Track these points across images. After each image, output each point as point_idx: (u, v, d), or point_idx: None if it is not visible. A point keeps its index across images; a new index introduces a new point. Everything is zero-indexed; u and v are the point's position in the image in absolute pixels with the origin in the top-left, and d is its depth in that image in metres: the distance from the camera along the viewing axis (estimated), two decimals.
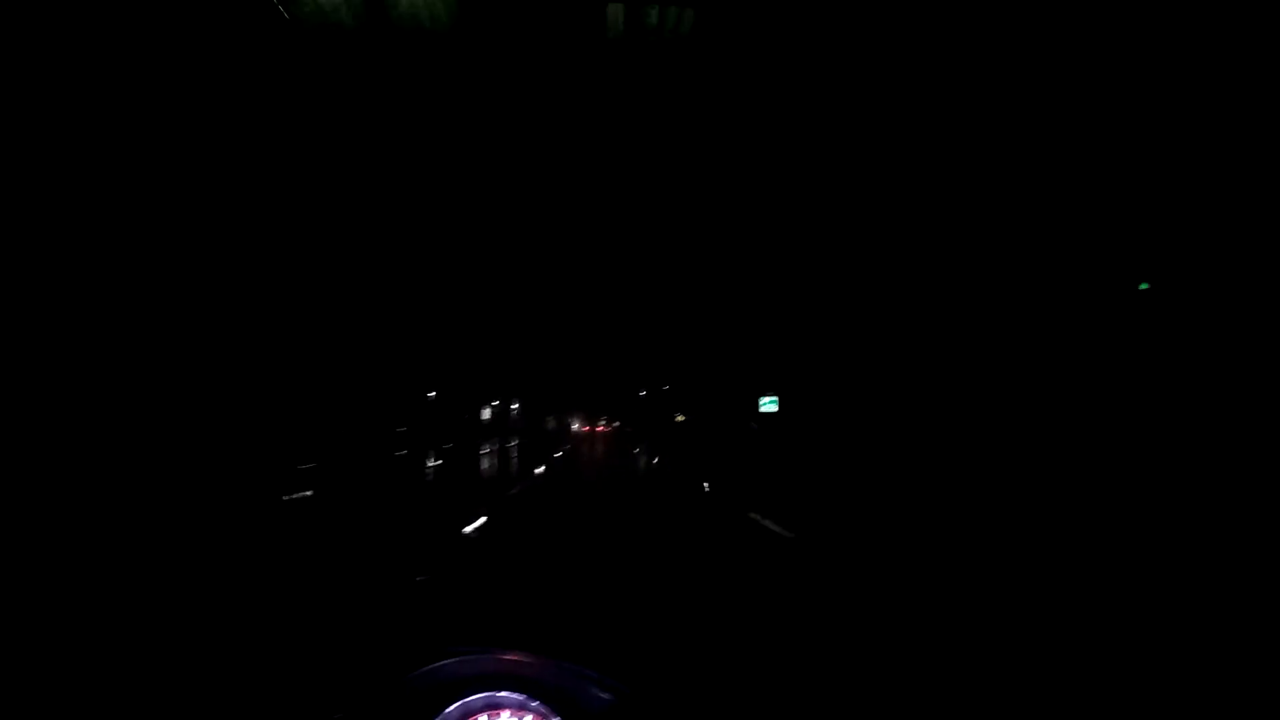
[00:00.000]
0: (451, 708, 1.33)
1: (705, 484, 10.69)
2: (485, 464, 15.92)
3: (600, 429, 44.40)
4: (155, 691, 1.36)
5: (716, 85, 5.92)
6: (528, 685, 1.34)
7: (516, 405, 41.31)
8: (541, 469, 14.91)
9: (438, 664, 1.35)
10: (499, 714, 1.36)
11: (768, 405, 20.73)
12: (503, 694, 1.35)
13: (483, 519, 7.45)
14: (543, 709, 1.34)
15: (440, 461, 15.06)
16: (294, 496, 7.97)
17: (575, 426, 42.89)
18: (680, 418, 27.82)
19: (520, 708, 1.36)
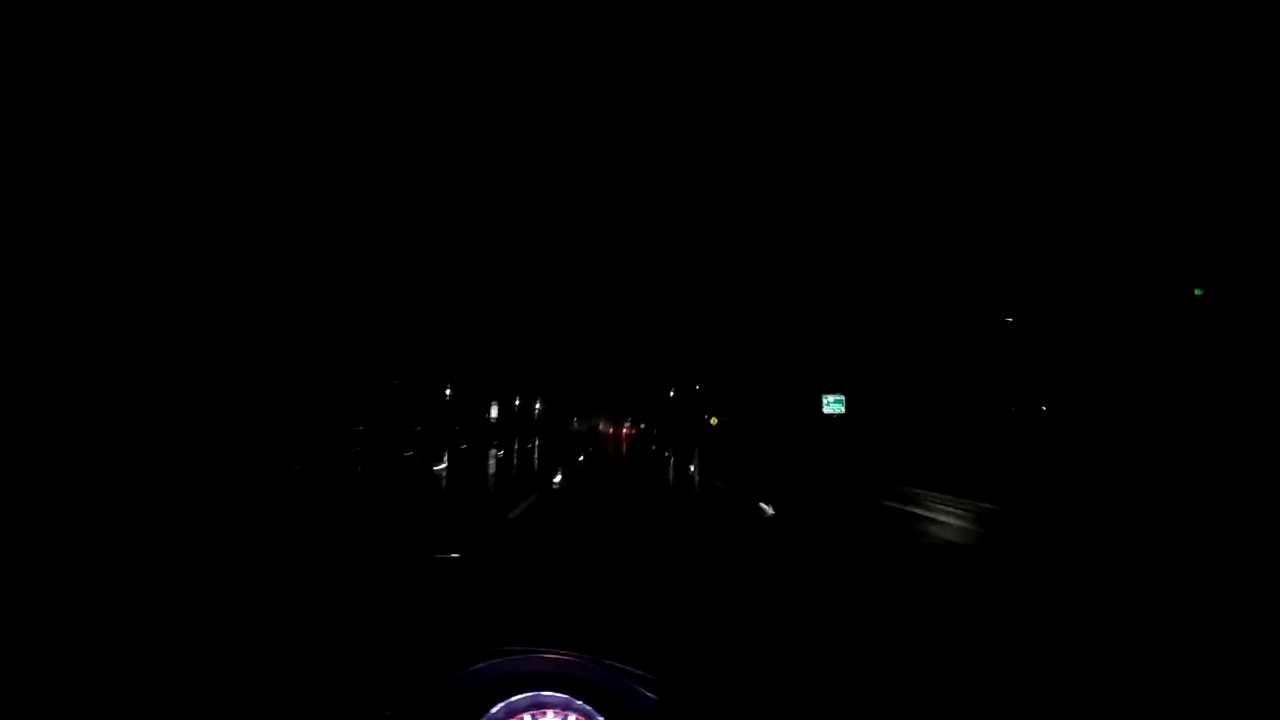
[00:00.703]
0: (496, 708, 1.33)
1: (765, 506, 9.25)
2: (493, 468, 14.89)
3: (626, 430, 43.36)
4: (193, 691, 1.34)
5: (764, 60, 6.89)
6: (572, 685, 1.35)
7: (540, 406, 39.29)
8: (558, 479, 13.01)
9: (483, 664, 1.35)
10: (543, 714, 1.36)
11: (832, 405, 18.20)
12: (547, 694, 1.35)
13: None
14: (587, 709, 1.34)
15: (446, 465, 14.40)
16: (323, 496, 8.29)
17: (600, 427, 42.43)
18: (714, 420, 25.74)
19: (565, 708, 1.36)
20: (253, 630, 1.46)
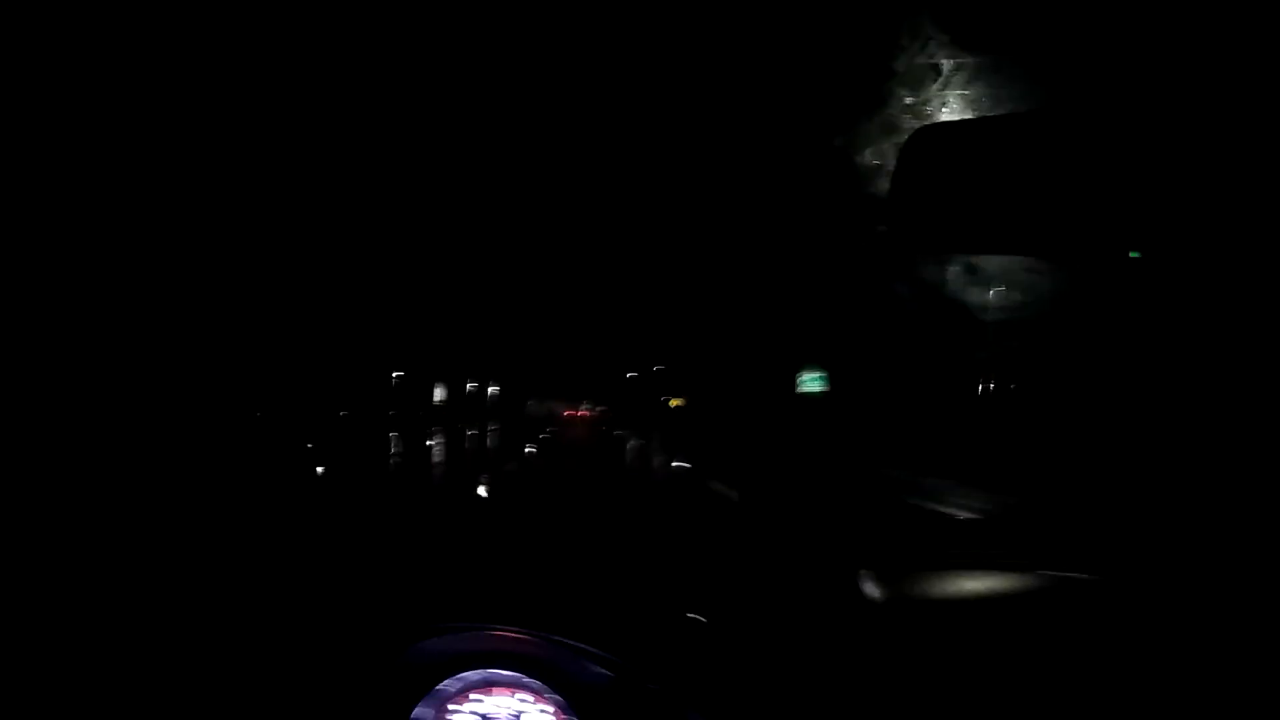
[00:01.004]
0: (445, 683, 1.37)
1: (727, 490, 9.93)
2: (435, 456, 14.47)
3: (584, 413, 44.18)
4: (146, 674, 1.38)
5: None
6: (524, 662, 1.37)
7: (495, 388, 42.98)
8: (512, 465, 13.19)
9: (435, 639, 1.37)
10: (496, 691, 1.39)
11: (810, 383, 17.36)
12: (499, 671, 1.38)
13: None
14: (540, 686, 1.37)
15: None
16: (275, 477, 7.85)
17: (556, 411, 42.99)
18: (676, 401, 24.62)
19: (517, 685, 1.38)
20: (201, 610, 1.43)
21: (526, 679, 1.39)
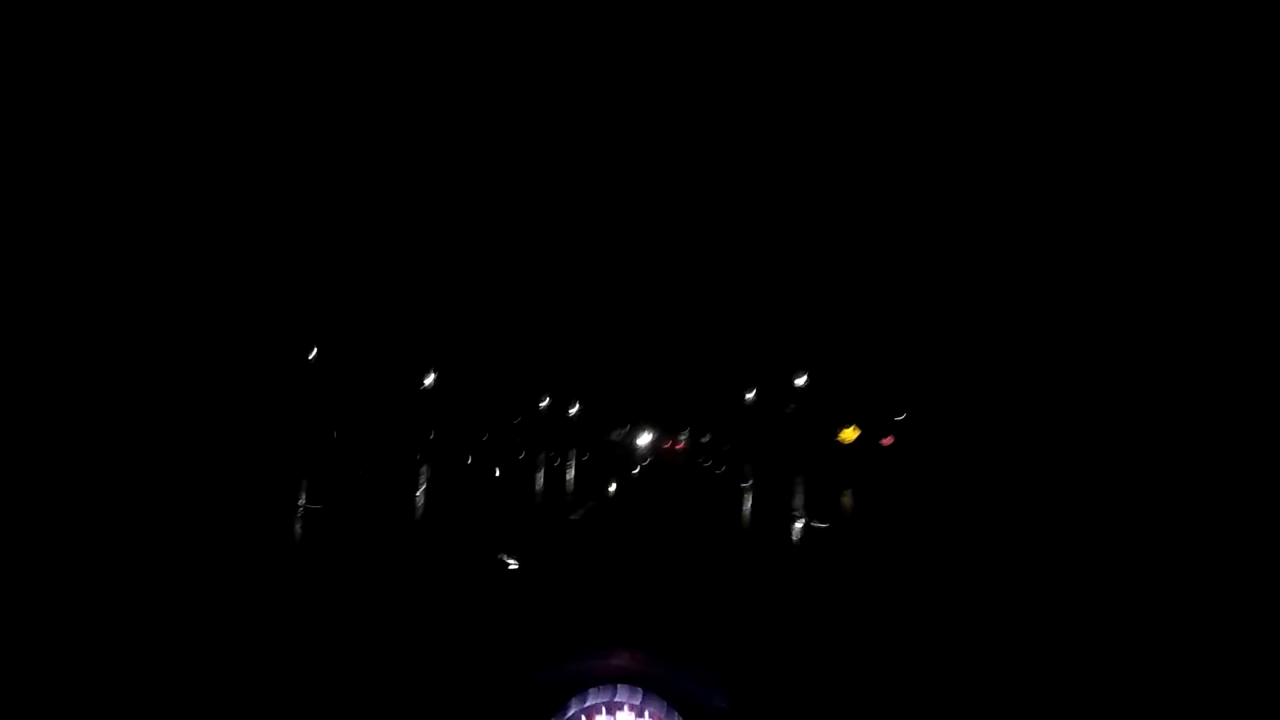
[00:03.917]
0: (571, 706, 1.06)
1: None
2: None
3: (678, 446, 33.23)
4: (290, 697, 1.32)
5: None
6: (646, 683, 1.03)
7: (576, 408, 32.87)
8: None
9: (560, 664, 1.07)
10: (618, 712, 1.04)
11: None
12: (621, 691, 1.06)
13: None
14: (661, 706, 1.06)
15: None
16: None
17: (647, 442, 31.80)
18: (850, 433, 16.86)
19: (639, 706, 1.06)
20: (336, 636, 1.50)
21: (649, 698, 1.06)
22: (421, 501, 9.02)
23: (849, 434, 14.87)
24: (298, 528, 5.76)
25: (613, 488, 12.71)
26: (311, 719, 1.38)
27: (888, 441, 14.70)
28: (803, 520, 8.84)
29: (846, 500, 11.45)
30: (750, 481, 14.71)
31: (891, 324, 14.42)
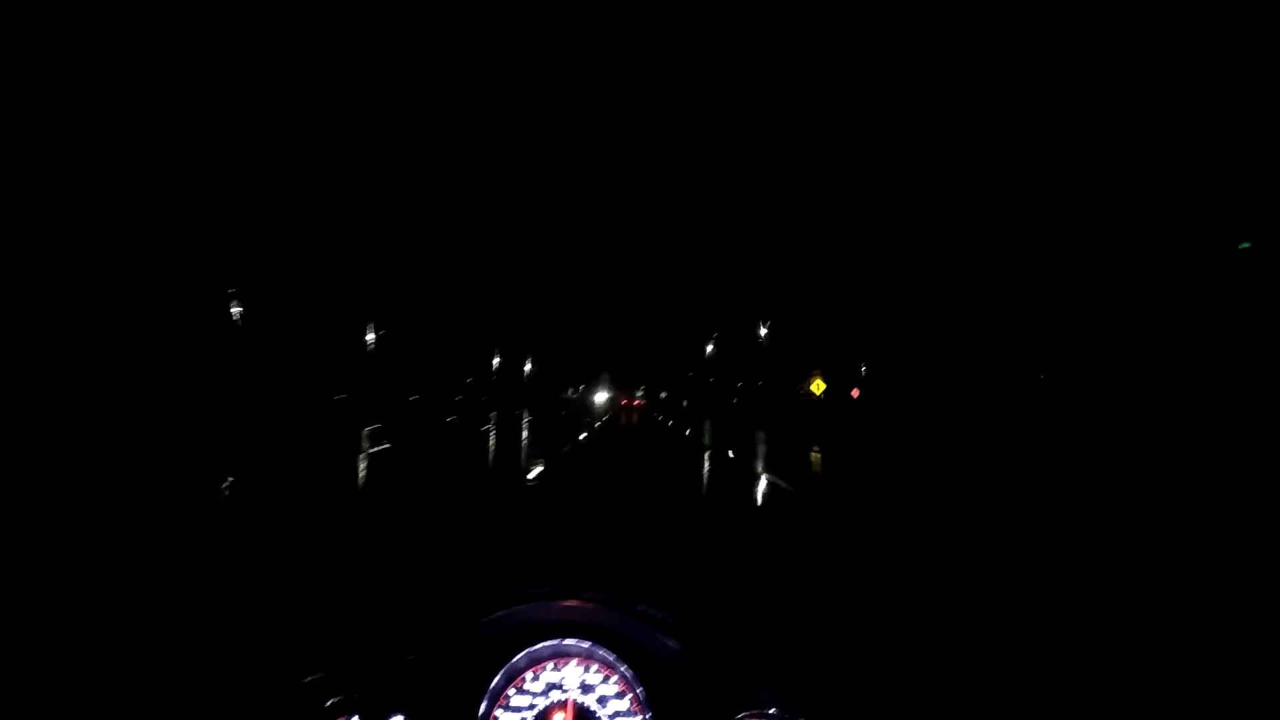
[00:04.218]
0: (518, 657, 1.34)
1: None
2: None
3: (636, 402, 35.45)
4: (219, 636, 1.42)
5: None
6: (595, 633, 1.36)
7: (529, 367, 31.95)
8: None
9: (507, 610, 1.38)
10: (566, 663, 1.36)
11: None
12: (570, 642, 1.35)
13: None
14: (609, 657, 1.34)
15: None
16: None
17: (605, 397, 34.30)
18: (818, 385, 17.13)
19: (587, 656, 1.35)
20: (279, 574, 1.52)
21: (596, 649, 1.34)
22: (364, 463, 9.03)
23: (817, 385, 14.31)
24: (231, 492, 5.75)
25: (567, 447, 12.79)
26: (236, 672, 1.27)
27: (855, 393, 14.44)
28: (767, 479, 8.65)
29: (816, 457, 11.39)
30: (708, 439, 14.70)
31: (854, 270, 14.41)
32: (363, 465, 8.89)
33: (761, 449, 12.35)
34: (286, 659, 1.30)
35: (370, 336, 21.87)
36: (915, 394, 13.34)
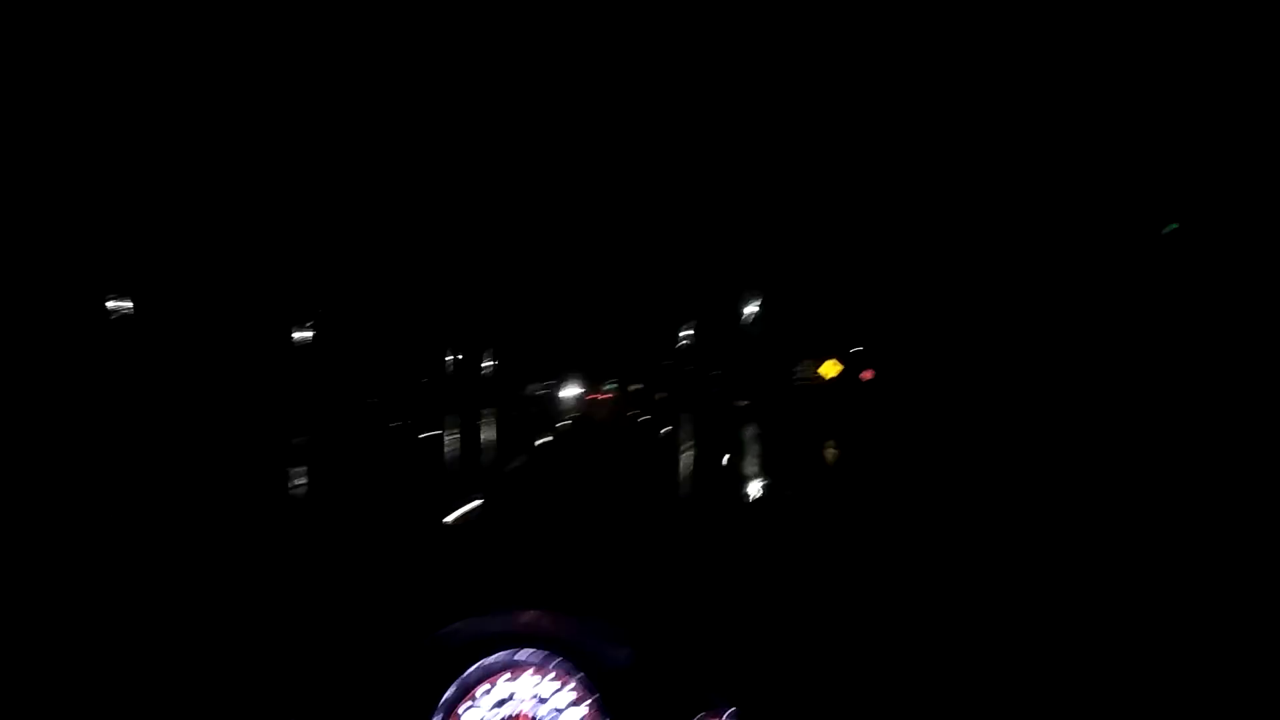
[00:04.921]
0: (470, 669, 1.36)
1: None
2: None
3: (601, 397, 32.87)
4: (170, 657, 1.40)
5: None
6: (547, 643, 1.39)
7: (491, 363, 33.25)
8: None
9: (459, 624, 1.42)
10: (520, 673, 1.38)
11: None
12: (523, 652, 1.37)
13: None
14: (563, 666, 1.36)
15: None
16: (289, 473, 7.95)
17: (574, 392, 31.42)
18: (834, 368, 16.28)
19: (540, 666, 1.38)
20: (231, 595, 1.53)
21: (550, 659, 1.37)
22: (307, 471, 8.77)
23: (830, 368, 13.17)
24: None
25: (533, 445, 12.67)
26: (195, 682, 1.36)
27: (868, 376, 13.15)
28: (762, 482, 7.80)
29: (831, 454, 10.16)
30: (689, 439, 13.22)
31: (859, 238, 13.18)
32: (289, 479, 8.28)
33: (754, 446, 10.98)
34: (244, 678, 1.33)
35: (306, 332, 19.31)
36: (944, 376, 12.01)
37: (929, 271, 12.73)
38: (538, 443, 13.69)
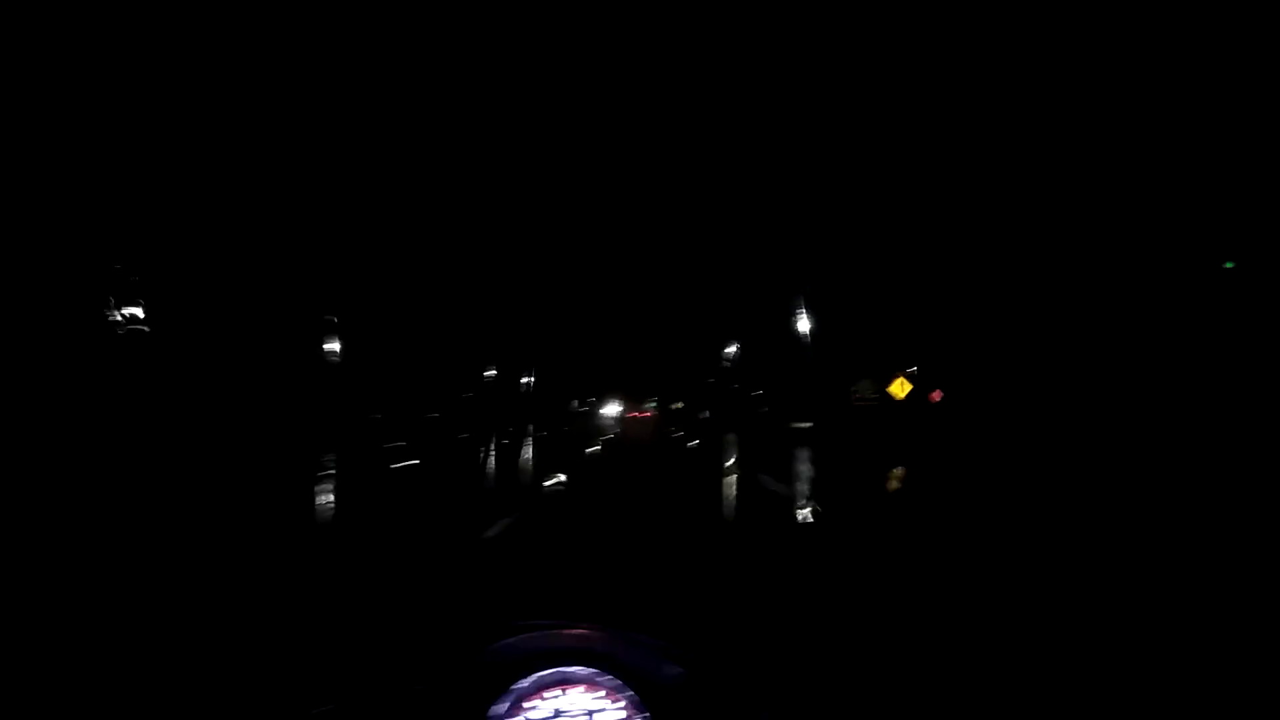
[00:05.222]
0: (524, 681, 1.40)
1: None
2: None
3: (644, 415, 33.27)
4: (229, 661, 1.42)
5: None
6: (598, 659, 1.43)
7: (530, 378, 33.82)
8: None
9: (511, 639, 1.45)
10: (570, 689, 1.42)
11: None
12: (574, 668, 1.41)
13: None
14: (613, 683, 1.40)
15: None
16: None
17: (615, 410, 32.30)
18: (904, 387, 15.47)
19: (591, 682, 1.42)
20: (291, 605, 1.53)
21: (599, 676, 1.41)
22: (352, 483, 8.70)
23: (900, 387, 12.32)
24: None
25: (574, 465, 12.83)
26: (232, 693, 1.37)
27: (936, 396, 12.27)
28: (815, 505, 7.62)
29: (896, 480, 9.55)
30: (733, 458, 12.71)
31: (902, 249, 12.31)
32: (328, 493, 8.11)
33: (806, 470, 9.95)
34: (296, 689, 1.33)
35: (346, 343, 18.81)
36: (1025, 395, 10.84)
37: (989, 284, 11.89)
38: (588, 450, 14.01)
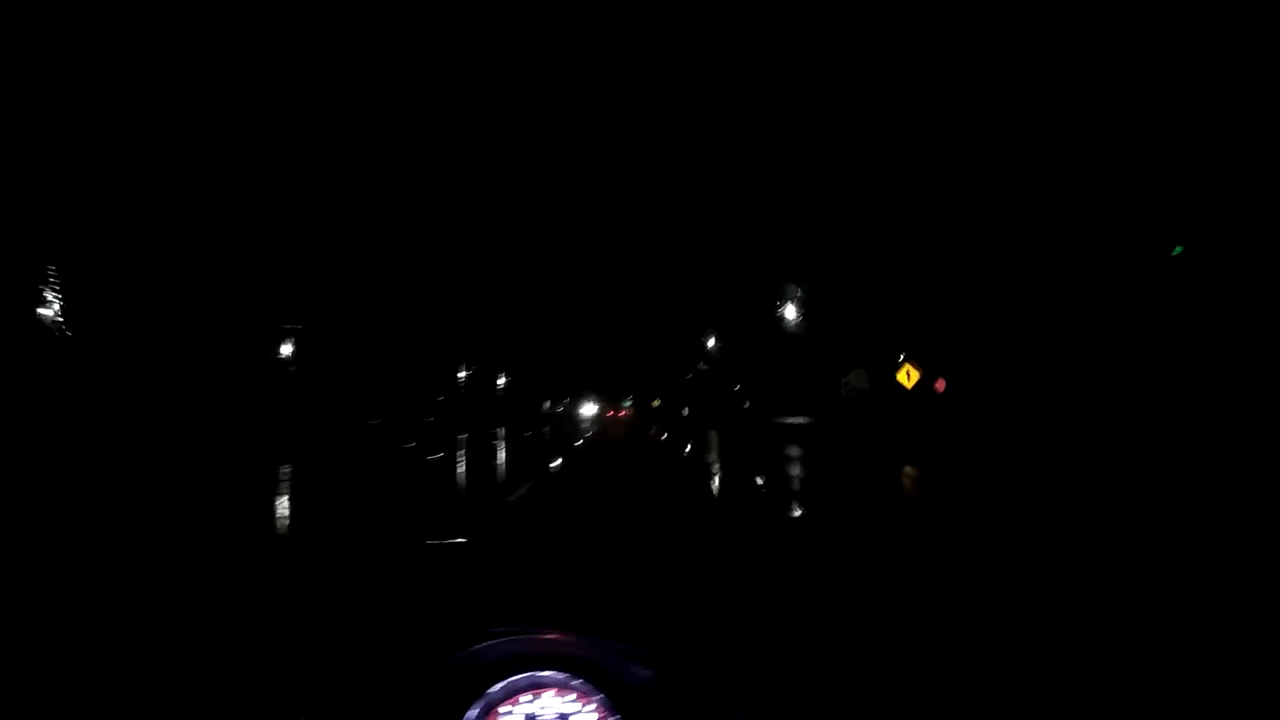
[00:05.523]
0: (495, 687, 1.36)
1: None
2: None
3: (621, 414, 33.09)
4: (194, 671, 1.36)
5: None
6: (570, 664, 1.38)
7: (503, 380, 30.26)
8: None
9: (481, 645, 1.39)
10: (542, 693, 1.38)
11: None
12: (546, 673, 1.37)
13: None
14: (585, 687, 1.37)
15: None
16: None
17: (591, 410, 32.03)
18: (914, 375, 13.11)
19: (563, 687, 1.38)
20: (253, 616, 1.50)
21: (572, 680, 1.37)
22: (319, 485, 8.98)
23: (908, 374, 10.99)
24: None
25: (551, 465, 11.98)
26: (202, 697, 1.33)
27: (941, 386, 11.00)
28: (798, 505, 7.21)
29: (909, 479, 8.54)
30: (715, 459, 12.36)
31: (917, 227, 11.62)
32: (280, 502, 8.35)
33: (797, 471, 9.95)
34: (263, 702, 1.31)
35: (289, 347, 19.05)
36: (1034, 384, 10.24)
37: (990, 270, 11.49)
38: (552, 465, 12.84)
